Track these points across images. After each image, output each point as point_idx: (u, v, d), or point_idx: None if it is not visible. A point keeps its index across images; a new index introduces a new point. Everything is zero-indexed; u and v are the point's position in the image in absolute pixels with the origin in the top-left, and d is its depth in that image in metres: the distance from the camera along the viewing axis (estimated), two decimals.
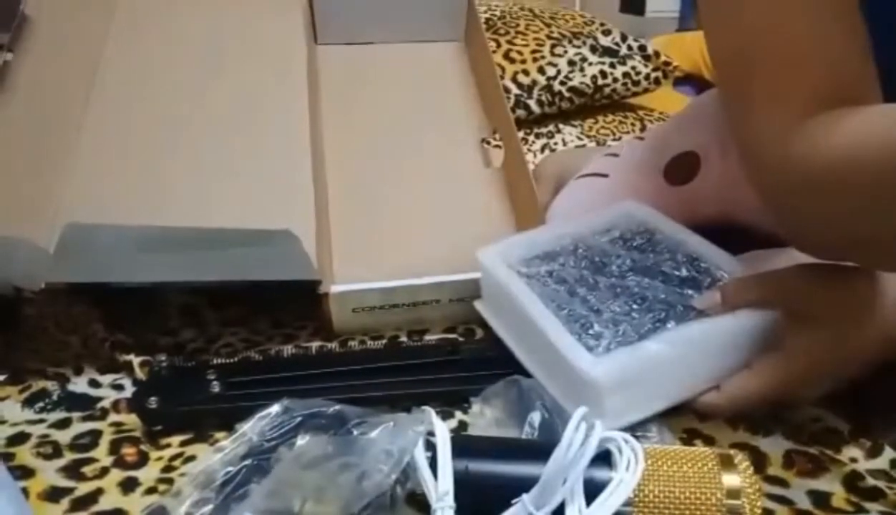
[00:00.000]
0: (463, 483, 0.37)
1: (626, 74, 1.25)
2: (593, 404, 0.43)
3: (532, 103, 1.16)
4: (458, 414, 0.51)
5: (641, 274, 0.54)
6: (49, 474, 0.45)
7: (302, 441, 0.39)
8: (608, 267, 0.55)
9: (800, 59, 0.44)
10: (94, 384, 0.55)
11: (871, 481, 0.44)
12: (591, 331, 0.49)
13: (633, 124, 1.22)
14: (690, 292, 0.52)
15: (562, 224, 0.62)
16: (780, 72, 0.44)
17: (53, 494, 0.44)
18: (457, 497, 0.36)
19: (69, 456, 0.47)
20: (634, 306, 0.51)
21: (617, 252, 0.56)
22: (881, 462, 0.46)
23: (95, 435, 0.49)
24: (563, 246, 0.57)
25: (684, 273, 0.54)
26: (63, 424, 0.50)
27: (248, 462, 0.39)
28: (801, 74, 0.44)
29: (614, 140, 1.15)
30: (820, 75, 0.44)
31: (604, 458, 0.37)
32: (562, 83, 1.18)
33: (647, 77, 1.26)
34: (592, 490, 0.36)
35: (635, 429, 0.46)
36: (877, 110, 0.42)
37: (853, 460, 0.46)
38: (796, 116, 0.43)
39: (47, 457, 0.47)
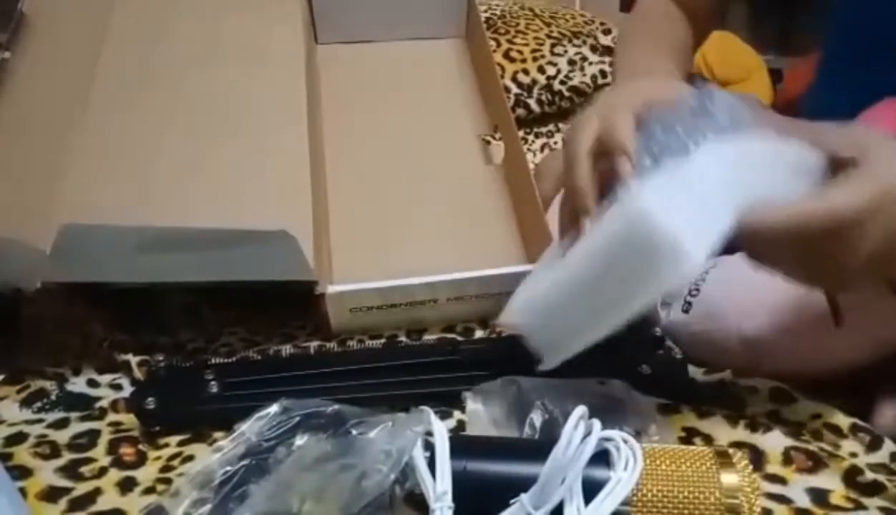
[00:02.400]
0: (461, 483, 0.37)
1: None
2: (658, 248, 0.38)
3: (532, 102, 1.16)
4: (457, 414, 0.51)
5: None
6: (47, 474, 0.45)
7: (300, 440, 0.39)
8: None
9: None
10: (92, 384, 0.55)
11: (870, 475, 0.44)
12: None
13: None
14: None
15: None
16: None
17: (51, 494, 0.44)
18: (455, 497, 0.36)
19: (67, 456, 0.47)
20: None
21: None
22: (881, 456, 0.46)
23: (94, 435, 0.49)
24: None
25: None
26: (61, 424, 0.50)
27: (246, 461, 0.39)
28: None
29: None
30: None
31: (602, 457, 0.37)
32: (562, 82, 1.18)
33: None
34: (591, 490, 0.36)
35: None
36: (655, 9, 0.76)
37: (853, 454, 0.46)
38: None
39: (45, 457, 0.47)
